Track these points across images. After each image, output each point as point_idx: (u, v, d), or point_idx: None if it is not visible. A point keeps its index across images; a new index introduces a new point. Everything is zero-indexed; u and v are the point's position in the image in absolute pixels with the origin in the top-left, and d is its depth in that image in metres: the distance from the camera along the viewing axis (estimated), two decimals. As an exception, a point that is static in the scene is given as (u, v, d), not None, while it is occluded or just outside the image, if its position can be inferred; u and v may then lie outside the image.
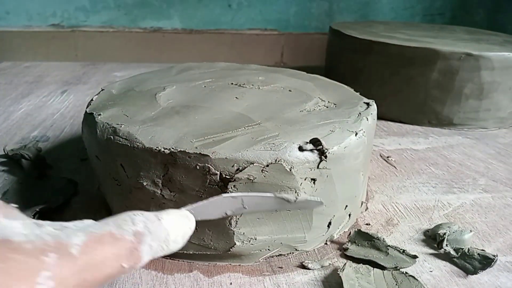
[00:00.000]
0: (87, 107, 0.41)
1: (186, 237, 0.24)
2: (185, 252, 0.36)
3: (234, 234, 0.35)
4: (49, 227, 0.18)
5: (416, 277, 0.35)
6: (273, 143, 0.34)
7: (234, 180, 0.32)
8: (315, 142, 0.34)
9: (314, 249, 0.39)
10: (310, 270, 0.36)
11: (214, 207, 0.29)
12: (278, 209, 0.35)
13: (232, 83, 0.49)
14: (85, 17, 1.15)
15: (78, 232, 0.18)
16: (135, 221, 0.21)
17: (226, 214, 0.29)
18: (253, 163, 0.32)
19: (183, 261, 0.37)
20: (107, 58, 1.17)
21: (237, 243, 0.35)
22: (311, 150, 0.34)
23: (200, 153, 0.32)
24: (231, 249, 0.35)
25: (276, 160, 0.33)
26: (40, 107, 0.77)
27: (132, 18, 1.17)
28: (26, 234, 0.17)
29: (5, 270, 0.15)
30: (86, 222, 0.20)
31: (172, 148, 0.32)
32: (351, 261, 0.37)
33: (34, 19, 1.13)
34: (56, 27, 1.15)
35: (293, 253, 0.38)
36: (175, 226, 0.23)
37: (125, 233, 0.20)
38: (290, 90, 0.47)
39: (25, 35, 1.13)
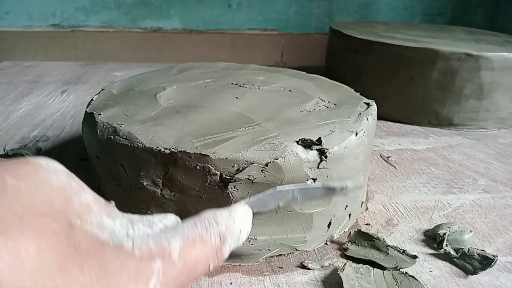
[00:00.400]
0: (87, 107, 0.41)
1: (249, 232, 0.25)
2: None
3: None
4: (140, 224, 0.20)
5: (416, 277, 0.35)
6: (273, 143, 0.34)
7: (235, 180, 0.32)
8: (318, 140, 0.34)
9: (314, 249, 0.39)
10: (310, 270, 0.36)
11: (269, 199, 0.29)
12: (325, 198, 0.36)
13: (232, 83, 0.49)
14: (85, 17, 1.15)
15: (175, 235, 0.19)
16: (218, 222, 0.22)
17: (278, 205, 0.30)
18: (253, 163, 0.32)
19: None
20: (107, 58, 1.17)
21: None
22: (312, 147, 0.34)
23: (200, 153, 0.32)
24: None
25: (275, 160, 0.33)
26: (40, 107, 0.77)
27: (132, 18, 1.17)
28: (133, 238, 0.18)
29: (121, 275, 0.16)
30: (171, 219, 0.21)
31: (173, 148, 0.33)
32: (351, 261, 0.37)
33: (34, 19, 1.14)
34: (56, 27, 1.15)
35: (293, 253, 0.38)
36: (244, 222, 0.24)
37: (212, 237, 0.21)
38: (290, 90, 0.47)
39: (25, 35, 1.13)
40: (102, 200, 0.19)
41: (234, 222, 0.23)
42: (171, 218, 0.22)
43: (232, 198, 0.33)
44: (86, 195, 0.18)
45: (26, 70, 1.05)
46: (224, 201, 0.33)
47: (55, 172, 0.18)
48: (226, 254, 0.22)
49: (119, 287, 0.16)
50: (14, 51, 1.14)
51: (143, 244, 0.18)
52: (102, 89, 0.47)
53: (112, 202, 0.20)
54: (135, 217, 0.20)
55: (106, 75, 1.03)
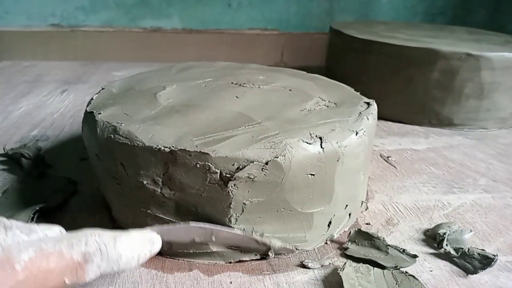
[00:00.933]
0: (87, 106, 0.41)
1: (142, 260, 0.26)
2: (185, 251, 0.36)
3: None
4: (18, 231, 0.21)
5: (416, 276, 0.35)
6: (273, 142, 0.34)
7: (235, 179, 0.32)
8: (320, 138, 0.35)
9: (314, 249, 0.39)
10: (310, 270, 0.36)
11: (181, 232, 0.30)
12: (247, 248, 0.36)
13: (233, 83, 0.48)
14: (85, 16, 1.15)
15: (30, 247, 0.20)
16: (88, 242, 0.23)
17: (194, 240, 0.30)
18: (253, 162, 0.32)
19: (183, 260, 0.37)
20: (106, 58, 1.17)
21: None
22: (313, 145, 0.34)
23: (200, 151, 0.32)
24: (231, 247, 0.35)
25: (276, 158, 0.33)
26: (40, 106, 0.77)
27: (131, 17, 1.17)
28: None
29: None
30: (55, 231, 0.23)
31: (173, 146, 0.32)
32: (351, 261, 0.37)
33: (33, 18, 1.13)
34: (55, 27, 1.15)
35: (293, 252, 0.38)
36: (130, 248, 0.25)
37: (74, 254, 0.22)
38: (290, 90, 0.47)
39: (24, 34, 1.13)
40: None
41: (116, 246, 0.24)
42: (55, 230, 0.23)
43: (232, 196, 0.33)
44: None
45: (26, 69, 1.04)
46: (223, 200, 0.33)
47: None
48: (92, 273, 0.23)
49: None
50: (13, 50, 1.14)
51: None
52: (102, 88, 0.46)
53: None
54: (17, 223, 0.22)
55: (106, 74, 1.03)
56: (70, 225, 0.41)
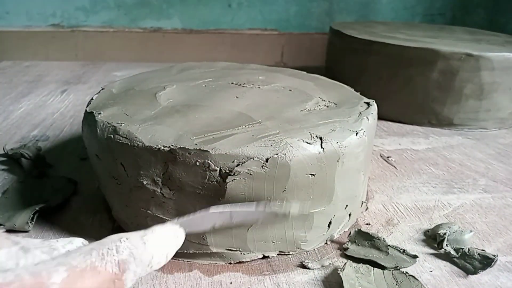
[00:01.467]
0: (87, 106, 0.41)
1: (170, 256, 0.24)
2: (185, 251, 0.36)
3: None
4: (37, 251, 0.18)
5: (416, 277, 0.35)
6: (273, 140, 0.34)
7: (234, 174, 0.32)
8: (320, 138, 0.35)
9: (314, 249, 0.39)
10: (310, 270, 0.36)
11: (203, 220, 0.29)
12: (264, 222, 0.35)
13: (233, 83, 0.48)
14: (85, 17, 1.15)
15: (60, 266, 0.18)
16: (119, 249, 0.21)
17: (214, 227, 0.30)
18: (253, 158, 0.32)
19: (183, 260, 0.37)
20: (107, 58, 1.17)
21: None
22: (313, 144, 0.34)
23: (200, 148, 0.32)
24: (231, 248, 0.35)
25: (276, 155, 0.33)
26: (40, 107, 0.77)
27: (132, 18, 1.17)
28: (5, 271, 0.17)
29: None
30: (77, 244, 0.20)
31: (172, 145, 0.32)
32: (351, 261, 0.37)
33: (34, 19, 1.13)
34: (56, 27, 1.15)
35: (293, 252, 0.38)
36: (160, 247, 0.23)
37: (108, 265, 0.20)
38: (290, 90, 0.47)
39: (25, 35, 1.13)
40: None
41: (146, 247, 0.22)
42: (76, 243, 0.21)
43: (230, 193, 0.33)
44: None
45: (26, 69, 1.04)
46: (221, 196, 0.33)
47: None
48: (130, 282, 0.21)
49: None
50: (14, 51, 1.14)
51: (15, 278, 0.17)
52: (102, 89, 0.46)
53: (2, 229, 0.20)
54: (34, 242, 0.19)
55: (106, 75, 1.03)
56: (70, 225, 0.41)
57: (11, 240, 0.19)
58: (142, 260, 0.21)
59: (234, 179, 0.32)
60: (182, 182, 0.33)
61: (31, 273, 0.17)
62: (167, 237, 0.24)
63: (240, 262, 0.37)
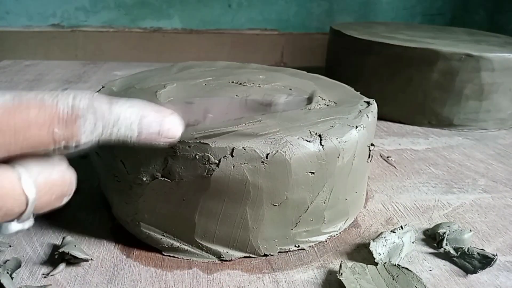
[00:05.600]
0: (87, 104, 0.41)
1: (146, 125, 0.22)
2: (184, 248, 0.36)
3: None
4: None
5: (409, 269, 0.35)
6: (274, 138, 0.34)
7: (234, 167, 0.32)
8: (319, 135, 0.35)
9: (313, 247, 0.39)
10: (310, 268, 0.36)
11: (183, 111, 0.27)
12: None
13: (233, 82, 0.49)
14: (85, 17, 1.15)
15: (6, 94, 0.18)
16: (77, 96, 0.20)
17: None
18: (253, 153, 0.32)
19: (182, 258, 0.37)
20: (107, 58, 1.17)
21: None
22: (313, 141, 0.34)
23: (200, 142, 0.32)
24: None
25: (276, 152, 0.33)
26: (40, 106, 0.77)
27: (132, 18, 1.17)
28: None
29: None
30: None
31: None
32: (345, 262, 0.36)
33: (34, 19, 1.14)
34: (56, 27, 1.15)
35: (292, 250, 0.38)
36: (130, 110, 0.22)
37: (60, 103, 0.19)
38: (290, 89, 0.47)
39: (25, 35, 1.13)
40: None
41: (111, 108, 0.21)
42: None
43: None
44: None
45: (27, 69, 1.04)
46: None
47: None
48: (88, 132, 0.20)
49: None
50: (14, 51, 1.14)
51: None
52: (103, 87, 0.47)
53: None
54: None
55: (107, 74, 1.03)
56: (71, 223, 0.41)
57: None
58: (105, 118, 0.20)
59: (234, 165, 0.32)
60: (181, 176, 0.33)
61: None
62: (143, 105, 0.23)
63: (239, 259, 0.37)
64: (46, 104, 0.19)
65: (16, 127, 0.18)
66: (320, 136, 0.35)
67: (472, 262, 0.37)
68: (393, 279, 0.34)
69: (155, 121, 0.23)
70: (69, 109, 0.19)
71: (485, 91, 0.71)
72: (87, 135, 0.20)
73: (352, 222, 0.43)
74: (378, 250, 0.37)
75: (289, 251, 0.38)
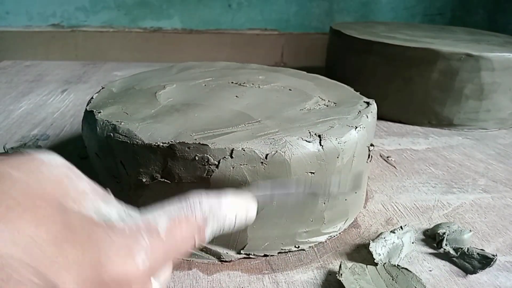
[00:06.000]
0: (87, 105, 0.41)
1: (242, 219, 0.25)
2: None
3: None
4: (131, 211, 0.21)
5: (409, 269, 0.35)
6: (273, 138, 0.34)
7: (233, 168, 0.32)
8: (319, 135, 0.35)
9: (313, 247, 0.39)
10: (310, 269, 0.36)
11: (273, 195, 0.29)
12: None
13: (232, 82, 0.49)
14: (85, 17, 1.15)
15: (162, 215, 0.21)
16: (202, 205, 0.22)
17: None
18: (252, 153, 0.32)
19: (182, 259, 0.37)
20: (107, 58, 1.17)
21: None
22: (313, 141, 0.34)
23: (199, 143, 0.32)
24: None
25: (275, 152, 0.33)
26: (40, 106, 0.77)
27: (132, 18, 1.17)
28: (124, 219, 0.20)
29: (110, 250, 0.18)
30: (160, 205, 0.22)
31: (171, 141, 0.33)
32: (344, 262, 0.36)
33: (34, 19, 1.13)
34: (56, 27, 1.15)
35: (292, 251, 0.38)
36: (232, 209, 0.24)
37: (197, 217, 0.22)
38: (290, 89, 0.47)
39: (25, 35, 1.13)
40: (99, 189, 0.22)
41: (221, 207, 0.23)
42: (161, 206, 0.23)
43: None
44: (83, 185, 0.21)
45: (27, 69, 1.04)
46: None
47: (55, 165, 0.21)
48: (208, 236, 0.23)
49: (108, 260, 0.17)
50: (14, 51, 1.14)
51: (133, 223, 0.20)
52: (102, 88, 0.47)
53: (109, 190, 0.22)
54: (129, 206, 0.22)
55: (107, 74, 1.03)
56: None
57: (115, 199, 0.22)
58: (218, 219, 0.23)
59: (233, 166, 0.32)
60: (181, 177, 0.33)
61: (142, 219, 0.20)
62: (240, 201, 0.25)
63: (239, 260, 0.37)
64: (190, 220, 0.22)
65: (177, 244, 0.21)
66: (319, 136, 0.35)
67: (472, 262, 0.37)
68: (392, 279, 0.34)
69: (245, 214, 0.26)
70: (201, 221, 0.22)
71: (485, 91, 0.71)
72: (208, 237, 0.23)
73: (352, 223, 0.43)
74: (378, 250, 0.37)
75: (289, 251, 0.38)
